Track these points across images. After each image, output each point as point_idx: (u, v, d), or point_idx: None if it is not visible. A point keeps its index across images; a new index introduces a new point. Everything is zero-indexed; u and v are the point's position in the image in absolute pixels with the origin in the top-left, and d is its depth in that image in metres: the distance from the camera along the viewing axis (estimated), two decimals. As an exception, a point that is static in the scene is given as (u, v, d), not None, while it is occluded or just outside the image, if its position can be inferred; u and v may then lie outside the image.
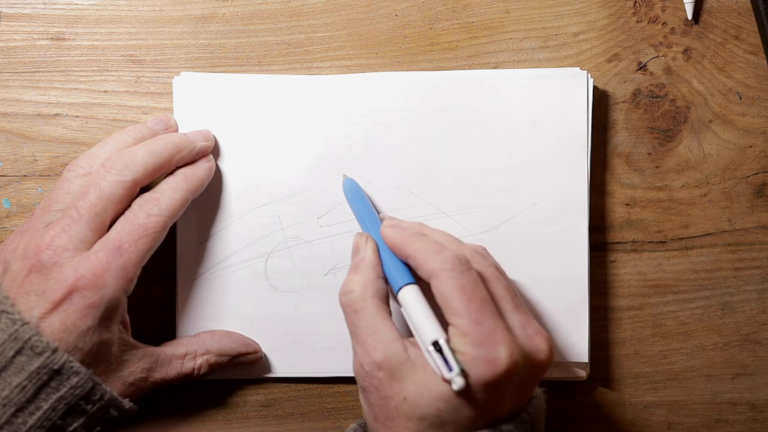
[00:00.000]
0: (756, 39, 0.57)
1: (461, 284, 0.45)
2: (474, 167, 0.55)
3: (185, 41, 0.56)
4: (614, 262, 0.57)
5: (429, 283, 0.46)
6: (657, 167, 0.57)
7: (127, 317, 0.52)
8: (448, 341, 0.44)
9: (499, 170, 0.55)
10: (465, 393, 0.44)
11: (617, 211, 0.57)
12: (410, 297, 0.47)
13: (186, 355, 0.53)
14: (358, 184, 0.54)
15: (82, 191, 0.50)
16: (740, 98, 0.57)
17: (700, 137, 0.57)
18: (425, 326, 0.45)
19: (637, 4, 0.57)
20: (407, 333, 0.48)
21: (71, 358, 0.47)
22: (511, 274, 0.55)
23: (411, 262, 0.48)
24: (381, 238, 0.50)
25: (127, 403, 0.49)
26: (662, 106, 0.57)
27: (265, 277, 0.56)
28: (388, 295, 0.49)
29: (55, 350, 0.46)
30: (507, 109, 0.55)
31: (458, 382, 0.42)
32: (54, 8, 0.56)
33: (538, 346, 0.46)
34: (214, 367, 0.53)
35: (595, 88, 0.56)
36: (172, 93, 0.56)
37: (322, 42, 0.56)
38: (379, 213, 0.54)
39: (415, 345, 0.46)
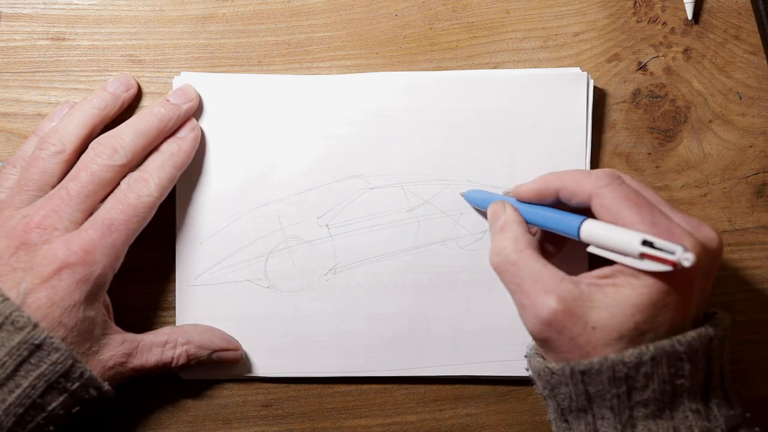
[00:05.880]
0: (756, 39, 0.57)
1: (625, 194, 0.46)
2: (474, 167, 0.55)
3: (185, 41, 0.56)
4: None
5: (588, 207, 0.47)
6: (657, 167, 0.57)
7: (108, 301, 0.52)
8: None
9: (499, 170, 0.55)
10: (660, 294, 0.44)
11: (617, 211, 0.57)
12: (594, 225, 0.46)
13: (167, 343, 0.53)
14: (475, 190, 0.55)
15: (73, 173, 0.50)
16: (740, 98, 0.57)
17: (700, 137, 0.57)
18: (625, 235, 0.44)
19: (637, 4, 0.57)
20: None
21: (52, 334, 0.47)
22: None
23: (563, 195, 0.48)
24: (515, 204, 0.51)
25: (105, 385, 0.49)
26: (662, 106, 0.57)
27: (264, 277, 0.56)
28: (539, 246, 0.49)
29: (35, 325, 0.46)
30: (507, 109, 0.55)
31: (689, 258, 0.42)
32: (54, 8, 0.56)
33: (708, 234, 0.46)
34: (192, 359, 0.53)
35: (595, 88, 0.56)
36: (172, 93, 0.56)
37: (322, 42, 0.56)
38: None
39: (582, 279, 0.46)
